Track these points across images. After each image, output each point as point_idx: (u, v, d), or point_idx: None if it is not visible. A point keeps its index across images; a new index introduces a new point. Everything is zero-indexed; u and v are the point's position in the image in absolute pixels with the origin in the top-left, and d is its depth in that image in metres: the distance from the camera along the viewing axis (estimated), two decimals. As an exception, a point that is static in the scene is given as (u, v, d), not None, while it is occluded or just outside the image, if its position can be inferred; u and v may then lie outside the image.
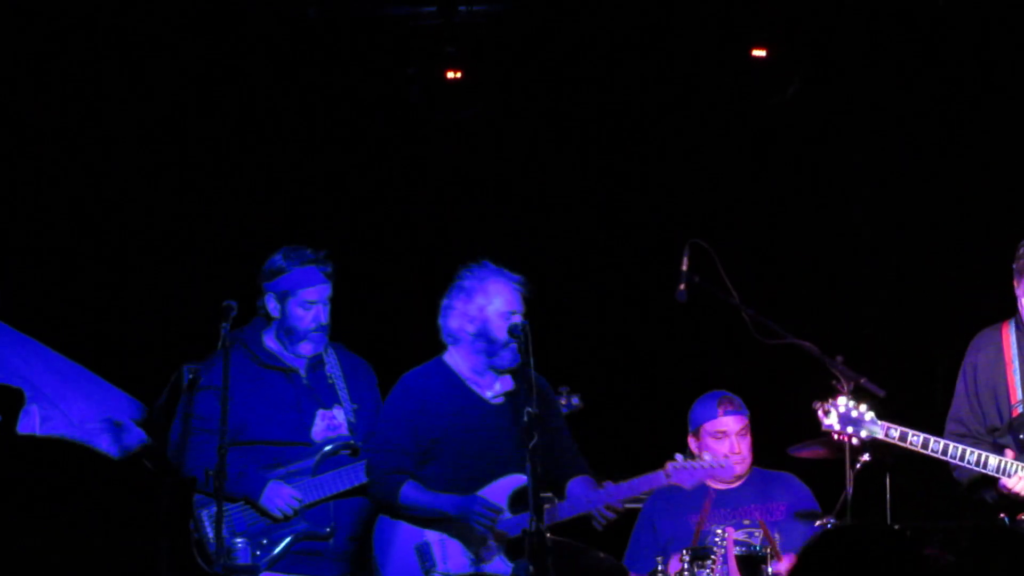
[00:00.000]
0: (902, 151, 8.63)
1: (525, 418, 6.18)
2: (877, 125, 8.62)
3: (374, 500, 6.70)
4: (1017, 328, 6.67)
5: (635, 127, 8.73)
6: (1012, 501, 6.47)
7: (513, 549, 6.53)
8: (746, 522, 6.91)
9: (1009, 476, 6.45)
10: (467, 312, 6.70)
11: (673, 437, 7.23)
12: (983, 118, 8.42)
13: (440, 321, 6.79)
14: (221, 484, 6.35)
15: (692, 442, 7.19)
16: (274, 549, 6.74)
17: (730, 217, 8.62)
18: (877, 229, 8.67)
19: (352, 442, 6.86)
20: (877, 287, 8.63)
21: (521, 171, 8.77)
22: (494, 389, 6.75)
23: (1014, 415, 6.59)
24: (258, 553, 6.71)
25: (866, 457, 6.67)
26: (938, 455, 6.49)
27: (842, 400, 6.53)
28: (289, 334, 6.89)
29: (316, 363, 6.95)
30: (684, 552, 6.63)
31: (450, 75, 8.40)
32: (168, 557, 6.72)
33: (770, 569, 6.60)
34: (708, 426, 7.17)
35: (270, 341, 6.94)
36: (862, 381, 6.63)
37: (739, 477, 7.17)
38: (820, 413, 6.53)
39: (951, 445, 6.48)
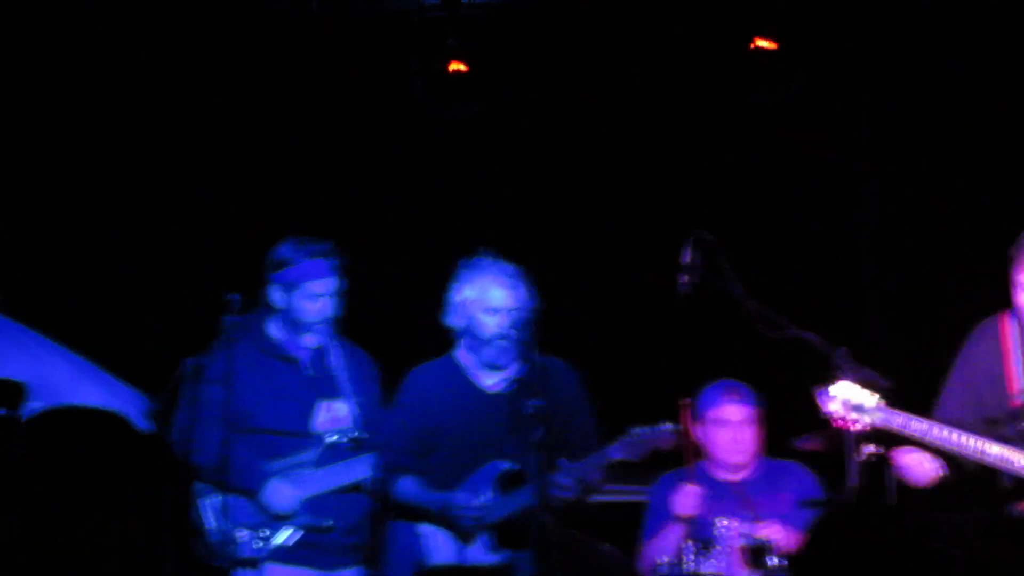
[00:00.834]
0: (906, 143, 8.63)
1: (530, 411, 6.20)
2: (881, 117, 8.62)
3: (375, 496, 6.71)
4: (1016, 319, 6.68)
5: (639, 119, 8.73)
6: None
7: (501, 535, 6.55)
8: (752, 514, 6.91)
9: (1012, 464, 6.45)
10: (457, 307, 6.74)
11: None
12: (989, 110, 8.42)
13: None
14: (225, 475, 6.37)
15: (699, 432, 7.21)
16: (274, 541, 6.73)
17: (734, 209, 8.62)
18: (881, 220, 8.67)
19: (356, 435, 6.87)
20: (881, 279, 8.63)
21: (524, 164, 8.77)
22: (495, 378, 6.75)
23: (1014, 405, 6.59)
24: (259, 545, 6.71)
25: (871, 448, 6.66)
26: (939, 443, 6.48)
27: (844, 384, 6.52)
28: (294, 325, 6.89)
29: (320, 354, 6.94)
30: (689, 543, 6.64)
31: (453, 68, 8.40)
32: (174, 555, 6.75)
33: (775, 559, 6.61)
34: (711, 414, 7.21)
35: (274, 330, 6.93)
36: (866, 373, 6.63)
37: (740, 467, 7.18)
38: (821, 399, 6.53)
39: (954, 433, 6.48)
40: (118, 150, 8.48)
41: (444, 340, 6.89)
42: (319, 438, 6.82)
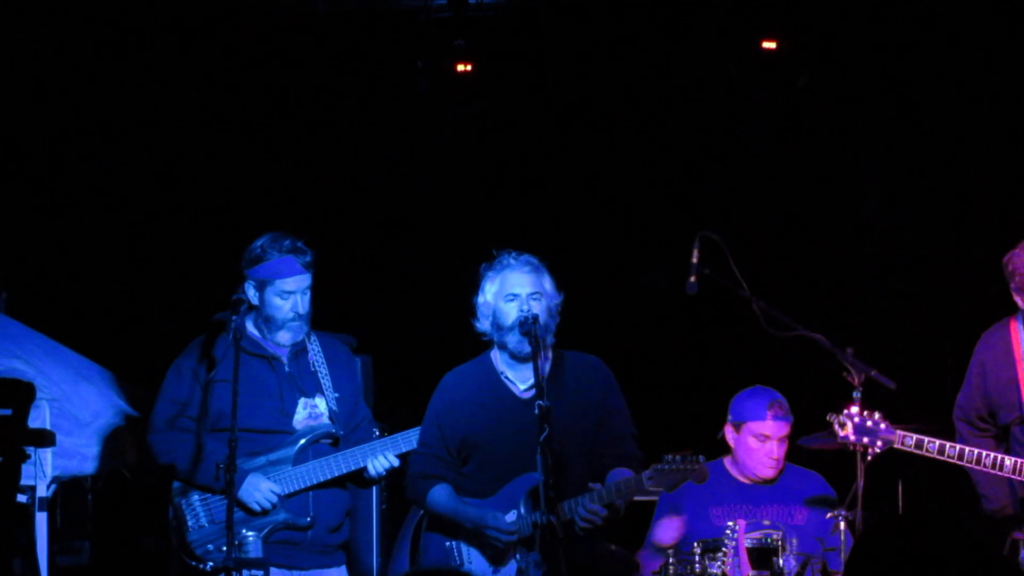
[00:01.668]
0: (912, 142, 8.62)
1: (536, 411, 6.14)
2: (888, 116, 8.62)
3: (410, 501, 6.70)
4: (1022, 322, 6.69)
5: (644, 119, 8.72)
6: None
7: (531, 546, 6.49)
8: (766, 522, 6.86)
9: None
10: (482, 307, 6.63)
11: (682, 431, 7.22)
12: (995, 109, 8.41)
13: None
14: (231, 477, 6.35)
15: (730, 432, 7.12)
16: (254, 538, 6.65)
17: (740, 209, 8.61)
18: (887, 220, 8.66)
19: (333, 431, 6.84)
20: (887, 278, 8.63)
21: (531, 163, 8.76)
22: (527, 383, 6.56)
23: None
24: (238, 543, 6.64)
25: (877, 449, 6.65)
26: (954, 460, 6.50)
27: (855, 410, 6.52)
28: (268, 323, 6.82)
29: (299, 351, 6.90)
30: (696, 544, 6.62)
31: (460, 68, 8.40)
32: (178, 557, 6.74)
33: (780, 562, 6.59)
34: (753, 426, 7.06)
35: (252, 329, 6.87)
36: (872, 373, 6.61)
37: (768, 481, 7.13)
38: (835, 426, 6.51)
39: (966, 449, 6.50)
40: (116, 148, 8.49)
41: (443, 339, 6.85)
42: (297, 436, 6.79)
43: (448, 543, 6.52)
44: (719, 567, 6.55)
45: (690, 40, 8.51)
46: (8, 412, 5.69)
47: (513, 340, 6.50)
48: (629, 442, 6.58)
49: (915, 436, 6.49)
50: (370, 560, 7.25)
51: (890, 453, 6.66)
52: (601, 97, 8.68)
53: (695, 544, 6.62)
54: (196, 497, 6.72)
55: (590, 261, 8.70)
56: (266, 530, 6.66)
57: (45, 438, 6.35)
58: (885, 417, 6.54)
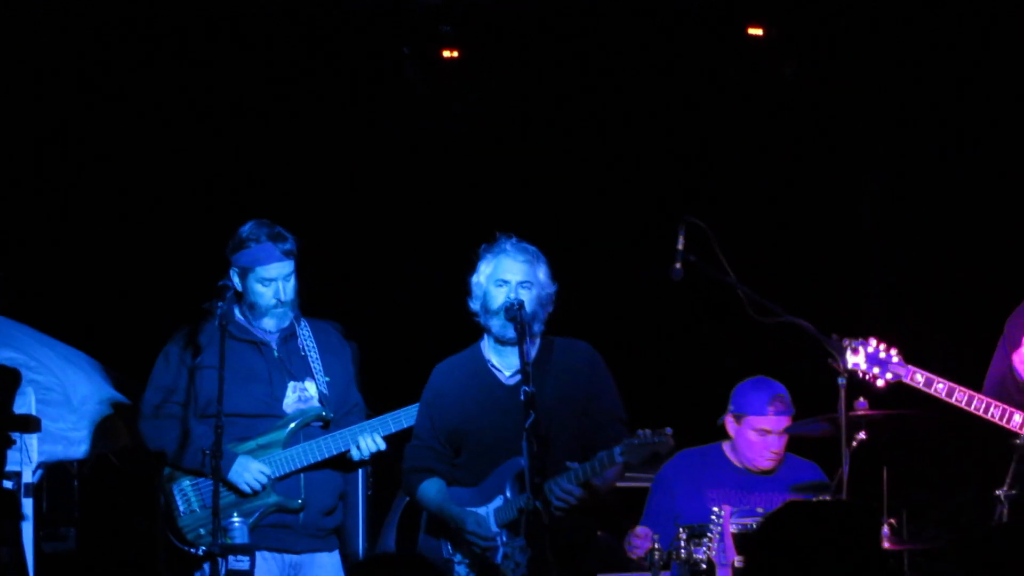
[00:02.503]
0: (902, 129, 8.63)
1: (522, 396, 6.16)
2: (877, 103, 8.62)
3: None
4: None
5: (632, 106, 8.72)
6: None
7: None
8: (759, 509, 6.85)
9: None
10: (476, 285, 6.64)
11: (668, 418, 7.21)
12: (988, 101, 8.41)
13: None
14: (218, 463, 6.36)
15: (730, 423, 7.12)
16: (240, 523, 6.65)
17: (725, 195, 8.61)
18: (881, 207, 8.67)
19: (323, 414, 6.85)
20: (874, 265, 8.63)
21: (517, 151, 8.76)
22: (513, 368, 6.57)
23: None
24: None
25: (862, 435, 6.65)
26: (962, 405, 6.44)
27: (872, 341, 6.48)
28: (252, 309, 6.85)
29: (288, 336, 6.91)
30: (681, 529, 6.63)
31: (446, 55, 8.40)
32: (166, 546, 6.76)
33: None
34: (754, 420, 7.06)
35: (239, 314, 6.89)
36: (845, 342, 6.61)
37: (767, 472, 7.13)
38: (848, 351, 6.47)
39: (976, 397, 6.43)
40: (101, 137, 8.49)
41: (428, 327, 6.86)
42: (287, 419, 6.80)
43: (441, 553, 6.56)
44: (704, 552, 6.56)
45: (680, 26, 8.51)
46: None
47: (497, 324, 6.52)
48: (617, 426, 6.56)
49: (925, 374, 6.43)
50: (356, 545, 7.26)
51: (874, 439, 6.66)
52: (588, 81, 8.68)
53: (680, 529, 6.63)
54: (187, 482, 6.74)
55: (574, 247, 8.69)
56: (257, 514, 6.68)
57: (30, 424, 6.36)
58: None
